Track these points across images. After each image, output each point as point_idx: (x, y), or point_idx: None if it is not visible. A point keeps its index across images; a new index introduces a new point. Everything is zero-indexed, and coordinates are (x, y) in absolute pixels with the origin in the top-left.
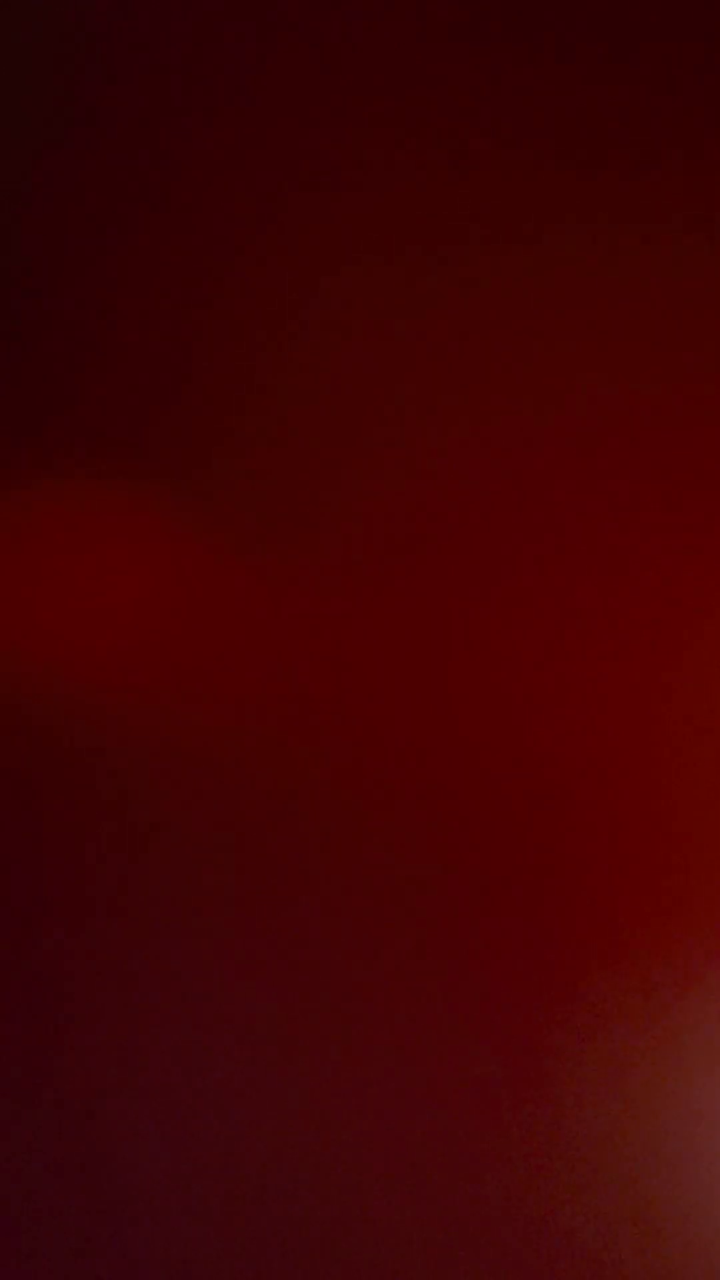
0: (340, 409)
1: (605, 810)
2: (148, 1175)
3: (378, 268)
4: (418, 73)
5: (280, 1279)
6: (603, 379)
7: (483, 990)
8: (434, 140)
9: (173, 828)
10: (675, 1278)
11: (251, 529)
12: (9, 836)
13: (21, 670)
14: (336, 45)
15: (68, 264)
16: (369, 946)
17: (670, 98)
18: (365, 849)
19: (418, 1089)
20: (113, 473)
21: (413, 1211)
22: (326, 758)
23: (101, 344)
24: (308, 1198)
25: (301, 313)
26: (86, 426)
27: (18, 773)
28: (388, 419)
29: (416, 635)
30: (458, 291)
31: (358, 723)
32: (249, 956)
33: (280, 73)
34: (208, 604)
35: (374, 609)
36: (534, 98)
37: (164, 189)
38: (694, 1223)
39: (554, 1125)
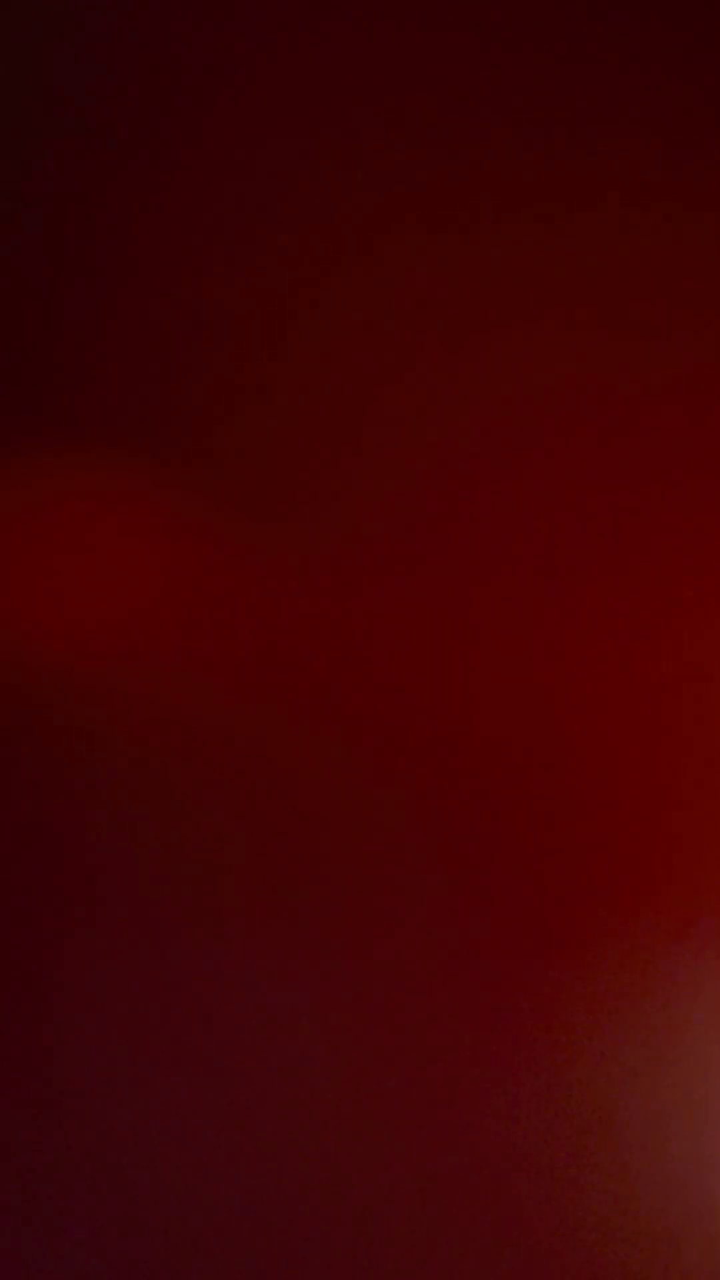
0: (342, 390)
1: (607, 789)
2: (147, 1171)
3: (380, 249)
4: (416, 64)
5: (282, 1275)
6: (604, 364)
7: (485, 973)
8: (433, 129)
9: (173, 808)
10: (676, 1257)
11: (252, 511)
12: (5, 821)
13: (21, 652)
14: (335, 38)
15: (67, 248)
16: (370, 931)
17: (671, 98)
18: (367, 831)
19: (421, 1075)
20: (112, 454)
21: (415, 1205)
22: (328, 739)
23: (101, 326)
24: (310, 1183)
25: (303, 295)
26: (87, 409)
27: (16, 757)
28: (389, 399)
29: (418, 616)
30: (460, 275)
31: (359, 703)
32: (249, 942)
33: (278, 61)
34: (209, 586)
35: (376, 590)
36: (534, 97)
37: (164, 171)
38: (695, 1200)
39: (556, 1108)
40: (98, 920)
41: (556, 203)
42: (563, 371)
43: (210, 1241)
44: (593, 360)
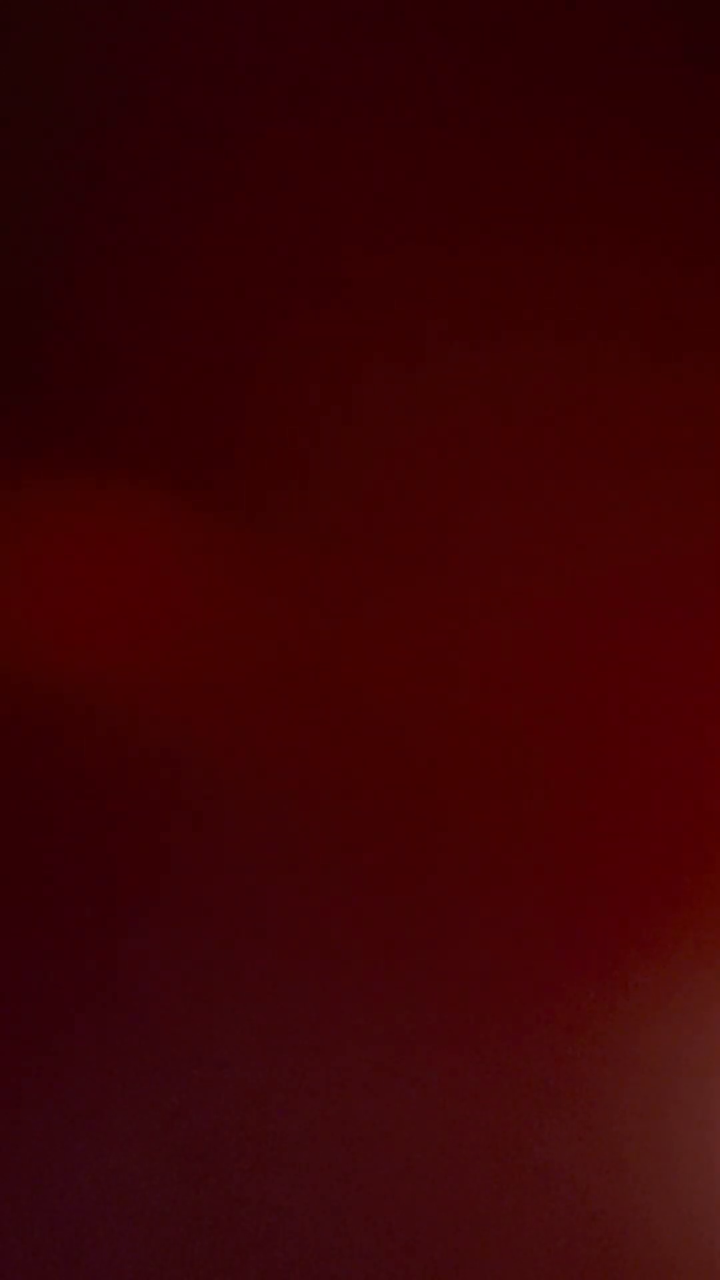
0: (341, 399)
1: (613, 795)
2: (149, 1168)
3: (380, 254)
4: (419, 76)
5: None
6: (607, 373)
7: (486, 978)
8: (434, 131)
9: (175, 817)
10: (679, 1264)
11: (252, 518)
12: (7, 834)
13: (21, 662)
14: (343, 54)
15: (69, 265)
16: (370, 936)
17: (673, 104)
18: (366, 834)
19: (422, 1083)
20: (111, 465)
21: (419, 1214)
22: (329, 743)
23: (108, 342)
24: (313, 1193)
25: (300, 300)
26: (85, 420)
27: (18, 766)
28: (388, 405)
29: (421, 624)
30: (459, 278)
31: (360, 708)
32: (249, 941)
33: (280, 68)
34: (208, 595)
35: (375, 594)
36: (535, 105)
37: (165, 188)
38: (700, 1209)
39: (557, 1107)
40: (98, 926)
41: (559, 208)
42: (568, 378)
43: (212, 1248)
44: (596, 368)
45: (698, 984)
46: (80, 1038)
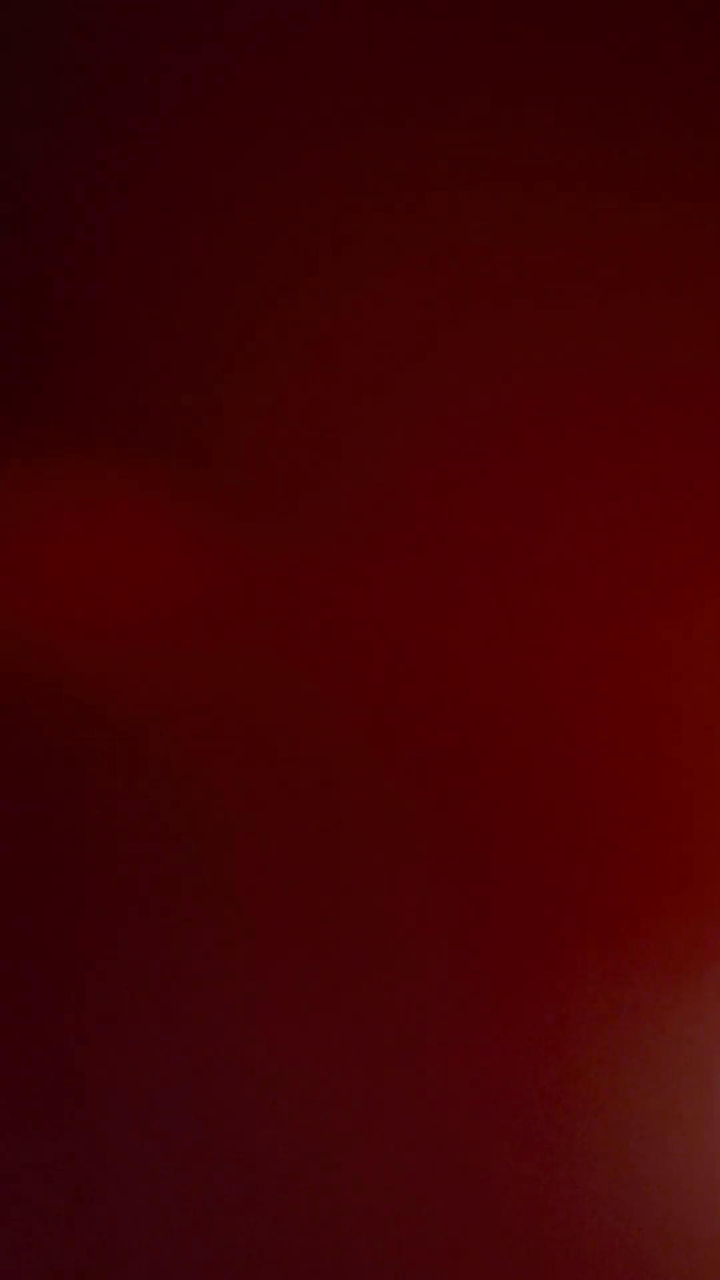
0: (339, 382)
1: (609, 780)
2: (149, 1165)
3: (377, 240)
4: (414, 59)
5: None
6: (601, 356)
7: (488, 982)
8: (430, 125)
9: (177, 799)
10: (680, 1260)
11: (251, 501)
12: (11, 810)
13: (26, 645)
14: (332, 34)
15: (66, 245)
16: (373, 922)
17: (673, 93)
18: (369, 822)
19: (423, 1078)
20: (112, 448)
21: (417, 1211)
22: (329, 726)
23: (100, 322)
24: (317, 1180)
25: (300, 287)
26: (85, 403)
27: (22, 748)
28: (387, 390)
29: (418, 605)
30: (458, 264)
31: (361, 691)
32: (250, 941)
33: (271, 59)
34: (210, 576)
35: (376, 577)
36: (534, 96)
37: (161, 167)
38: (698, 1203)
39: (558, 1108)
40: (100, 913)
41: (556, 199)
42: (560, 365)
43: (212, 1245)
44: (590, 353)
45: (698, 979)
46: (79, 1027)
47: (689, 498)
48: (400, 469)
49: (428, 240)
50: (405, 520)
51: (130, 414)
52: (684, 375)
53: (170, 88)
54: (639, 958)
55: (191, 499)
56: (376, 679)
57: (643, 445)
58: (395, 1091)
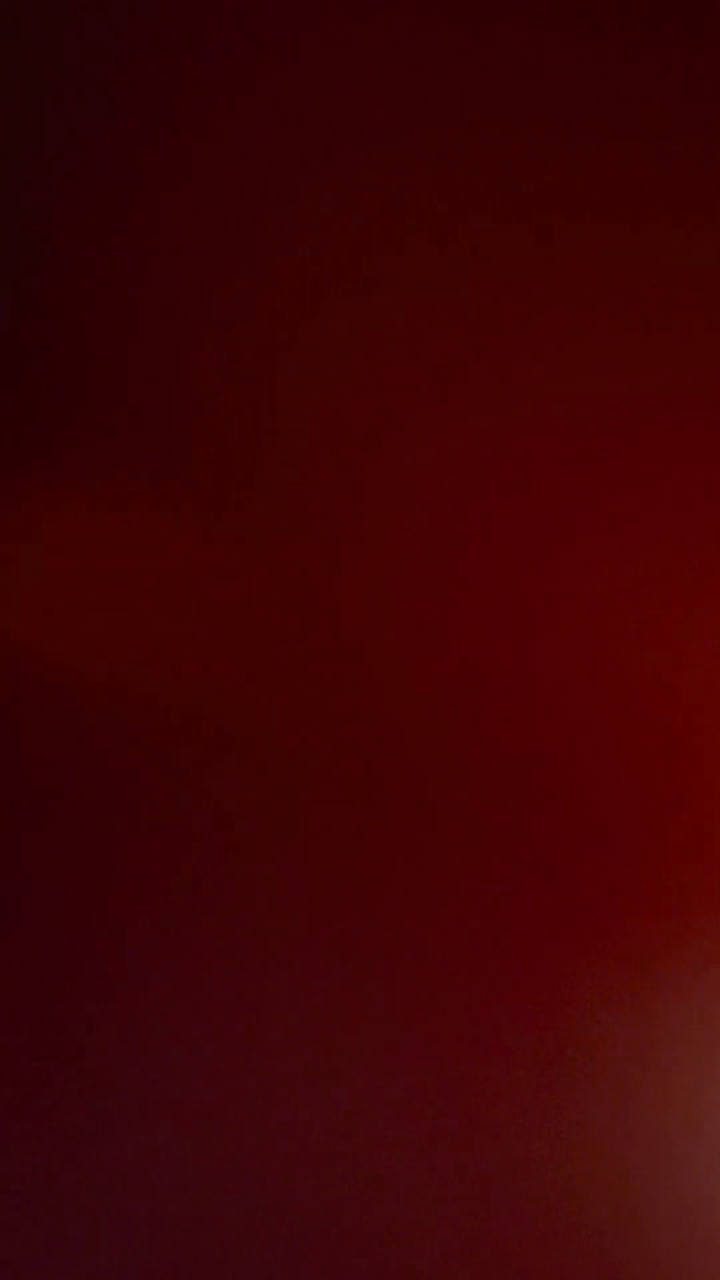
0: (341, 400)
1: (613, 791)
2: (152, 1163)
3: (376, 262)
4: (414, 81)
5: (290, 1275)
6: (601, 367)
7: (489, 979)
8: (431, 143)
9: (174, 813)
10: (680, 1265)
11: (247, 514)
12: (13, 828)
13: (20, 657)
14: (335, 54)
15: (69, 265)
16: (374, 936)
17: (669, 104)
18: (368, 819)
19: (425, 1080)
20: (105, 462)
21: (418, 1213)
22: (332, 739)
23: (108, 348)
24: (317, 1183)
25: (300, 305)
26: (88, 424)
27: (24, 764)
28: (393, 415)
29: (416, 613)
30: (456, 288)
31: (358, 702)
32: (253, 942)
33: (276, 76)
34: (205, 589)
35: (374, 587)
36: (536, 95)
37: (165, 190)
38: (700, 1204)
39: (559, 1111)
40: (103, 920)
41: (555, 213)
42: (560, 381)
43: (218, 1242)
44: (590, 365)
45: (698, 980)
46: (81, 1020)
47: (699, 511)
48: (405, 486)
49: (437, 262)
50: (409, 536)
51: (124, 426)
52: (693, 392)
53: (175, 106)
54: (650, 955)
55: (186, 511)
56: (379, 685)
57: (653, 457)
58: (395, 1079)
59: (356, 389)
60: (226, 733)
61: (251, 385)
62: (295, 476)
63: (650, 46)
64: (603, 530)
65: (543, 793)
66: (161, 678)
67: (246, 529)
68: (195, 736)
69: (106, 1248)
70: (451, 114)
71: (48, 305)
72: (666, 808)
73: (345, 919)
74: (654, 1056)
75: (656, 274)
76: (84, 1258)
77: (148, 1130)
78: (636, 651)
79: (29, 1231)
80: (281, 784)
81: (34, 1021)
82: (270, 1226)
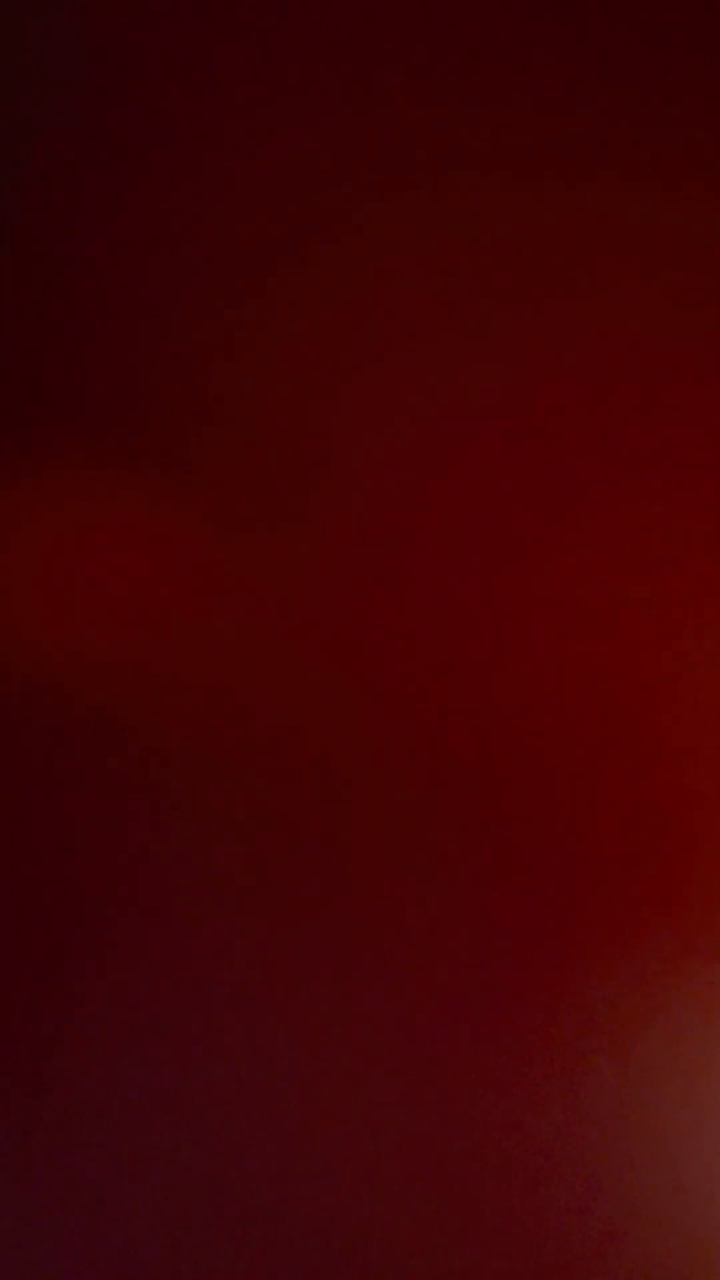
0: (333, 391)
1: (609, 790)
2: (149, 1167)
3: (370, 248)
4: (408, 55)
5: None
6: (599, 358)
7: (491, 983)
8: (425, 125)
9: (172, 813)
10: (675, 1265)
11: (246, 511)
12: (14, 829)
13: (20, 656)
14: (329, 29)
15: (56, 256)
16: (376, 937)
17: (672, 88)
18: (363, 823)
19: (425, 1085)
20: (106, 459)
21: (420, 1216)
22: (326, 739)
23: (95, 335)
24: (313, 1184)
25: (292, 293)
26: (79, 414)
27: (17, 759)
28: (381, 399)
29: (413, 615)
30: (452, 267)
31: (357, 702)
32: (252, 945)
33: (267, 56)
34: (205, 587)
35: (371, 587)
36: (531, 92)
37: (157, 175)
38: (703, 1206)
39: (561, 1115)
40: (99, 921)
41: (553, 194)
42: (557, 369)
43: (211, 1249)
44: (588, 355)
45: (697, 978)
46: (81, 1024)
47: (699, 511)
48: (400, 478)
49: (430, 241)
50: (405, 527)
51: (124, 422)
52: (692, 379)
53: (162, 79)
54: (648, 953)
55: (187, 512)
56: (375, 686)
57: (649, 456)
58: (395, 1078)
59: (357, 388)
60: (224, 734)
61: (252, 385)
62: (295, 475)
63: (654, 32)
64: (603, 519)
65: (542, 794)
66: (161, 678)
67: (247, 529)
68: (194, 736)
69: (107, 1247)
70: (449, 90)
71: (47, 303)
72: (664, 806)
73: (345, 919)
74: (654, 1057)
75: (660, 257)
76: (83, 1258)
77: (146, 1132)
78: (636, 652)
79: (28, 1233)
80: (281, 784)
81: (35, 1022)
82: (268, 1229)
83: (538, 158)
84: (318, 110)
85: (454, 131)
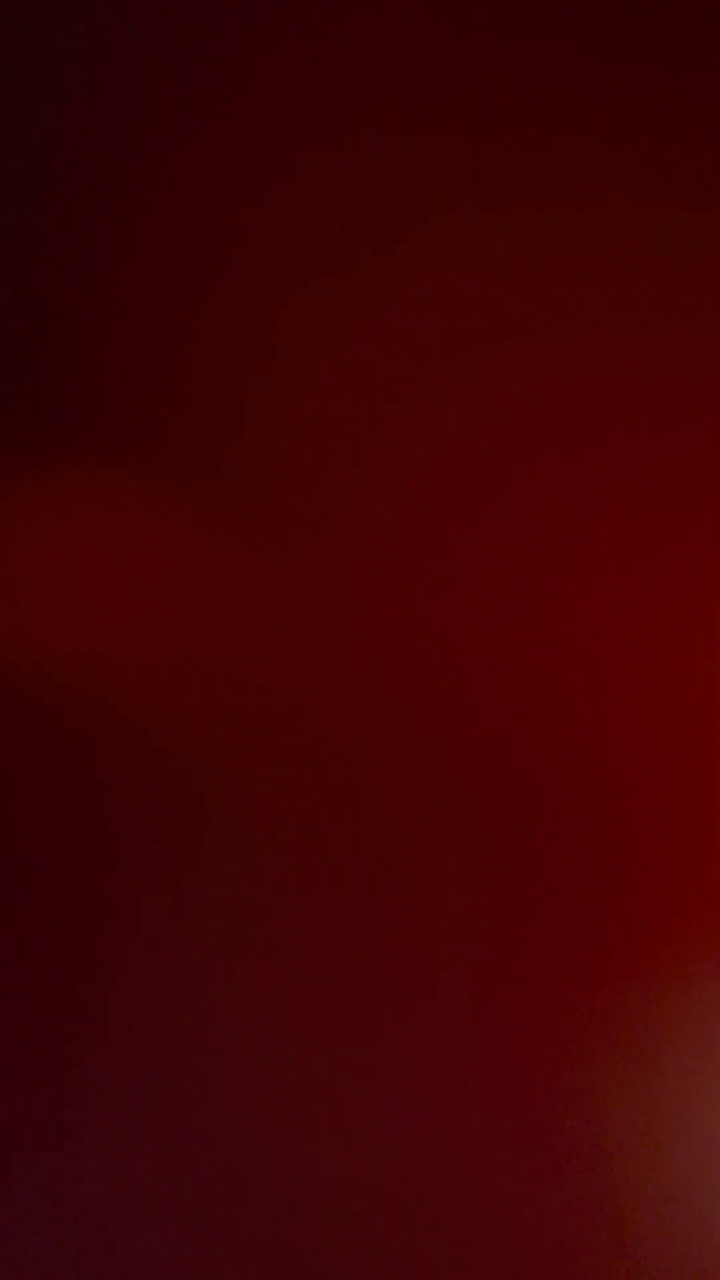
0: (343, 399)
1: (630, 807)
2: (149, 1170)
3: (379, 258)
4: (414, 72)
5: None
6: (604, 368)
7: (498, 993)
8: (432, 129)
9: (180, 820)
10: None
11: (257, 520)
12: (11, 828)
13: (29, 663)
14: (335, 47)
15: (69, 260)
16: (379, 945)
17: (670, 98)
18: (367, 823)
19: (430, 1092)
20: (117, 467)
21: (421, 1226)
22: (333, 746)
23: (105, 339)
24: (324, 1205)
25: (303, 303)
26: (91, 422)
27: (24, 765)
28: (390, 407)
29: (422, 625)
30: (460, 287)
31: (365, 712)
32: (254, 949)
33: (275, 68)
34: (214, 596)
35: (379, 596)
36: (532, 105)
37: (165, 182)
38: (702, 1219)
39: (569, 1127)
40: (100, 925)
41: (555, 210)
42: (564, 380)
43: (214, 1255)
44: (593, 366)
45: (700, 981)
46: (78, 1026)
47: (699, 511)
48: (409, 486)
49: (437, 262)
50: (414, 535)
51: (136, 428)
52: (696, 399)
53: (172, 99)
54: (658, 966)
55: (197, 519)
56: (385, 691)
57: (649, 443)
58: (396, 1079)
59: (356, 389)
60: (223, 734)
61: (251, 384)
62: (295, 475)
63: (650, 25)
64: (608, 541)
65: (543, 800)
66: (160, 678)
67: (246, 527)
68: (192, 738)
69: (107, 1248)
70: (453, 106)
71: (46, 302)
72: (667, 812)
73: (346, 926)
74: (652, 1062)
75: (659, 260)
76: (81, 1260)
77: (147, 1136)
78: (637, 654)
79: (26, 1234)
80: (281, 784)
81: (33, 1023)
82: (276, 1245)
83: (544, 180)
84: (341, 127)
85: (460, 163)
